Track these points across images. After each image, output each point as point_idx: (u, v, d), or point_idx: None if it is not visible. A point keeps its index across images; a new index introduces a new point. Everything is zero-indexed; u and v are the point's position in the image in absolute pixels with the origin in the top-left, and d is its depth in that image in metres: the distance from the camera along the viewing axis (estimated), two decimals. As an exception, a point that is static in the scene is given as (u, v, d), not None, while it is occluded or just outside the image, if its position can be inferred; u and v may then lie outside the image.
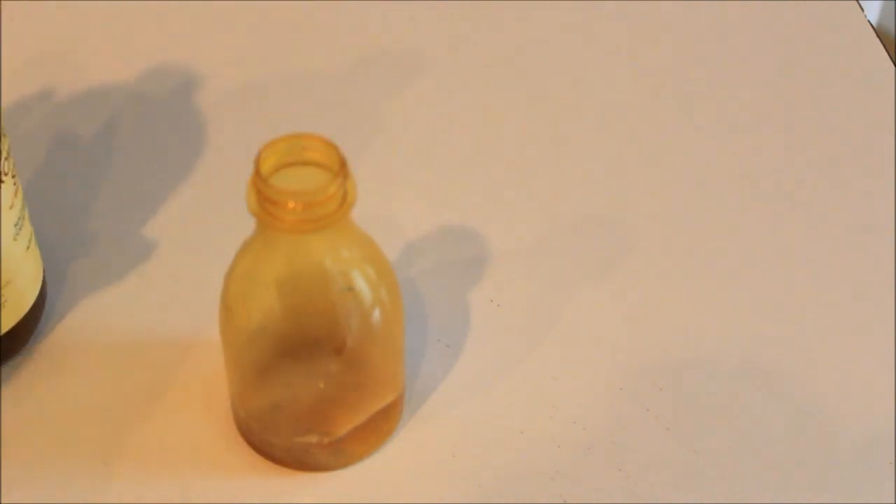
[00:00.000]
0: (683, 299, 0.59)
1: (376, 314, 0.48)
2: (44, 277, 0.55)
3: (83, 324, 0.57)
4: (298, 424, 0.51)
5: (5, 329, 0.53)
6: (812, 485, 0.52)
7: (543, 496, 0.51)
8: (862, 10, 0.73)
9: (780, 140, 0.66)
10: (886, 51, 0.71)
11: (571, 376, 0.55)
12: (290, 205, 0.43)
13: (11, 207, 0.50)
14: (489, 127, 0.67)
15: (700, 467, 0.52)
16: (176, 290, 0.58)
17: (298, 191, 0.43)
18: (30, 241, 0.53)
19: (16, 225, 0.51)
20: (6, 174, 0.50)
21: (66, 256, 0.59)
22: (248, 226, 0.46)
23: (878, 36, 0.72)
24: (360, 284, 0.48)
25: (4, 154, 0.49)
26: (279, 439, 0.51)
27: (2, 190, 0.49)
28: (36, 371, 0.55)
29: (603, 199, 0.63)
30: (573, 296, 0.59)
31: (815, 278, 0.60)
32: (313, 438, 0.51)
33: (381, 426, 0.52)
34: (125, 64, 0.68)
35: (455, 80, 0.69)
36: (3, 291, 0.52)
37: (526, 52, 0.71)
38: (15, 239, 0.51)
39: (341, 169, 0.43)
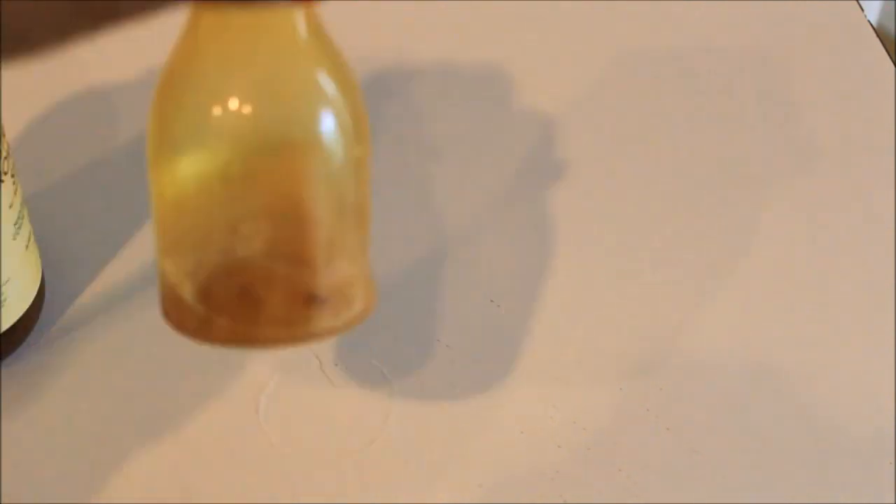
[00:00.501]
0: (684, 299, 0.59)
1: (339, 158, 0.39)
2: (42, 275, 0.55)
3: (82, 322, 0.57)
4: (244, 277, 0.41)
5: (5, 327, 0.53)
6: (812, 485, 0.52)
7: (543, 496, 0.51)
8: (862, 10, 0.73)
9: (779, 140, 0.66)
10: (886, 51, 0.71)
11: (571, 376, 0.55)
12: None
13: (11, 206, 0.50)
14: (490, 127, 0.67)
15: (700, 467, 0.52)
16: None
17: None
18: (29, 239, 0.53)
19: (15, 224, 0.51)
20: (6, 173, 0.50)
21: (65, 255, 0.59)
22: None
23: (878, 36, 0.72)
24: (321, 101, 0.38)
25: (4, 153, 0.49)
26: (220, 297, 0.41)
27: (1, 189, 0.49)
28: (34, 369, 0.55)
29: (603, 199, 0.63)
30: (573, 296, 0.59)
31: (815, 278, 0.60)
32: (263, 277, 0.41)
33: (340, 299, 0.43)
34: (125, 64, 0.68)
35: (455, 80, 0.69)
36: (2, 289, 0.52)
37: (526, 53, 0.71)
38: (14, 238, 0.51)
39: None
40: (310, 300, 0.42)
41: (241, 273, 0.41)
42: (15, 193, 0.51)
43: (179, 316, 0.43)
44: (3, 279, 0.51)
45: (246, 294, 0.41)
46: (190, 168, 0.40)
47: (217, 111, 0.38)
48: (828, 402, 0.55)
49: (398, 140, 0.65)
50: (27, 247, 0.53)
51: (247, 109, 0.38)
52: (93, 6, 0.37)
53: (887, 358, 0.56)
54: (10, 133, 0.64)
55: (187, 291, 0.42)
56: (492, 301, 0.58)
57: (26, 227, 0.53)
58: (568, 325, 0.57)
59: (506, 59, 0.70)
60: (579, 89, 0.69)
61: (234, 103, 0.38)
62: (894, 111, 0.67)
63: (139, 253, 0.59)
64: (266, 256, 0.41)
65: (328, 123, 0.39)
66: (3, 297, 0.52)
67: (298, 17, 0.37)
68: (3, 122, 0.56)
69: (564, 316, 0.58)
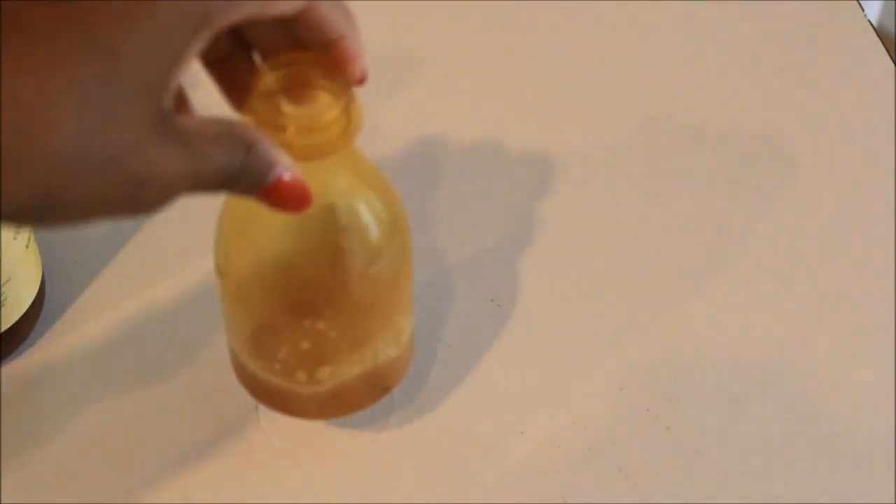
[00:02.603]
0: (684, 299, 0.59)
1: (380, 254, 0.45)
2: (42, 275, 0.55)
3: (81, 321, 0.57)
4: (286, 367, 0.48)
5: (5, 326, 0.53)
6: (812, 485, 0.52)
7: (543, 496, 0.51)
8: (862, 10, 0.73)
9: (779, 140, 0.66)
10: (886, 51, 0.71)
11: (571, 376, 0.55)
12: (290, 129, 0.40)
13: (11, 206, 0.50)
14: (491, 131, 0.67)
15: (700, 467, 0.52)
16: (175, 285, 0.58)
17: (299, 113, 0.40)
18: (29, 239, 0.53)
19: (15, 224, 0.51)
20: None
21: (65, 254, 0.59)
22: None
23: (878, 36, 0.72)
24: (366, 220, 0.44)
25: None
26: (269, 380, 0.48)
27: None
28: (35, 368, 0.55)
29: (602, 200, 0.63)
30: (573, 296, 0.59)
31: (816, 278, 0.60)
32: (302, 386, 0.48)
33: (376, 383, 0.49)
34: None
35: (453, 80, 0.69)
36: (2, 289, 0.52)
37: (522, 52, 0.71)
38: (15, 238, 0.51)
39: (345, 91, 0.40)
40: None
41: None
42: None
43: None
44: (3, 279, 0.51)
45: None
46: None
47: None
48: (828, 402, 0.55)
49: (401, 143, 0.65)
50: (27, 247, 0.53)
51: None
52: None
53: (887, 358, 0.56)
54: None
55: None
56: (492, 301, 0.58)
57: (26, 228, 0.53)
58: (568, 325, 0.57)
59: (504, 59, 0.70)
60: (575, 93, 0.69)
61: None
62: (894, 111, 0.67)
63: (139, 253, 0.59)
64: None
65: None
66: (3, 297, 0.52)
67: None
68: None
69: (564, 316, 0.58)
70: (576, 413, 0.54)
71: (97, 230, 0.60)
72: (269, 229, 0.45)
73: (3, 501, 0.51)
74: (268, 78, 0.41)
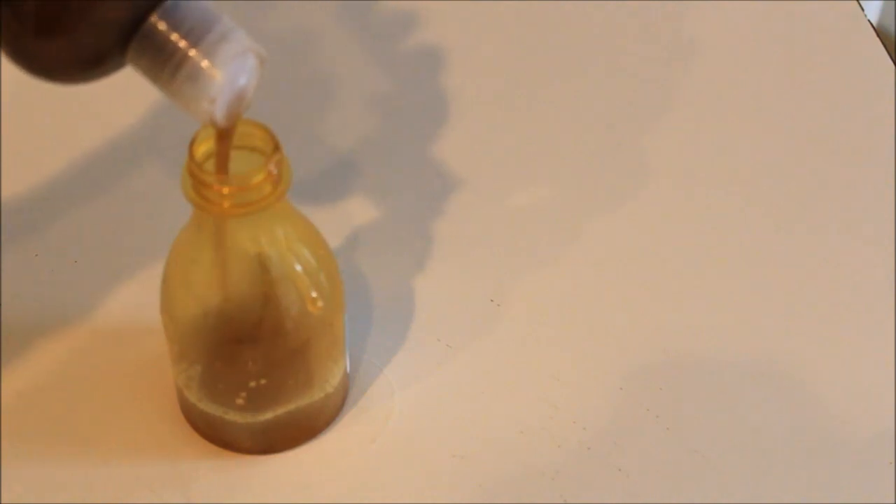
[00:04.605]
0: (684, 299, 0.59)
1: (312, 301, 0.48)
2: None
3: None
4: (224, 405, 0.51)
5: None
6: (812, 485, 0.52)
7: (543, 496, 0.51)
8: (862, 10, 0.73)
9: (780, 140, 0.66)
10: (886, 51, 0.71)
11: (571, 376, 0.55)
12: (225, 189, 0.43)
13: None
14: (487, 127, 0.66)
15: (700, 467, 0.52)
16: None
17: (232, 175, 0.44)
18: None
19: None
20: None
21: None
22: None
23: (878, 36, 0.72)
24: (298, 269, 0.48)
25: None
26: (211, 419, 0.52)
27: None
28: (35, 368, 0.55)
29: (600, 199, 0.63)
30: (573, 295, 0.59)
31: (815, 278, 0.60)
32: (236, 418, 0.51)
33: (304, 422, 0.52)
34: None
35: (456, 77, 0.69)
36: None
37: (518, 50, 0.71)
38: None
39: (275, 152, 0.44)
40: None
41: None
42: None
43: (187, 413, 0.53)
44: None
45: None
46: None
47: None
48: (828, 402, 0.55)
49: (399, 143, 0.65)
50: None
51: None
52: None
53: (887, 358, 0.56)
54: (11, 135, 0.64)
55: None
56: (492, 301, 0.58)
57: None
58: (568, 325, 0.57)
59: (497, 61, 0.70)
60: (573, 91, 0.69)
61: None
62: (894, 111, 0.67)
63: (138, 253, 0.59)
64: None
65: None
66: None
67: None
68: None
69: (564, 316, 0.58)
70: (576, 413, 0.54)
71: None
72: (208, 278, 0.48)
73: (3, 501, 0.51)
74: (203, 142, 0.44)
